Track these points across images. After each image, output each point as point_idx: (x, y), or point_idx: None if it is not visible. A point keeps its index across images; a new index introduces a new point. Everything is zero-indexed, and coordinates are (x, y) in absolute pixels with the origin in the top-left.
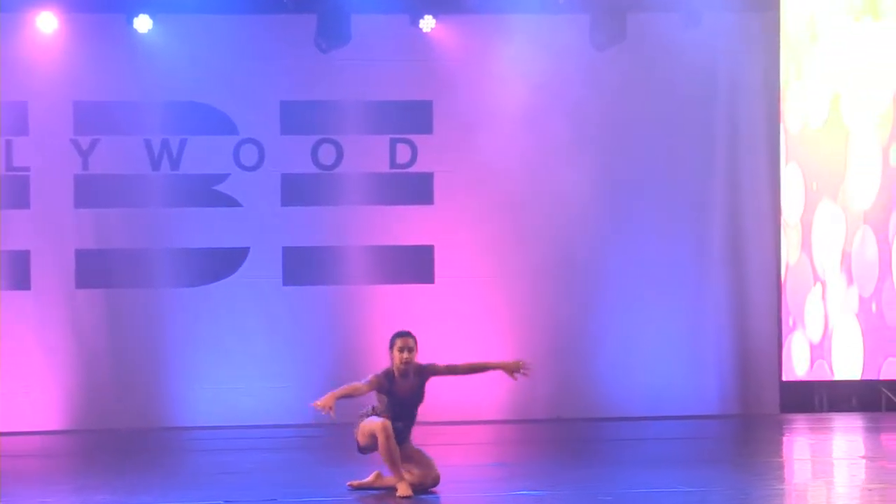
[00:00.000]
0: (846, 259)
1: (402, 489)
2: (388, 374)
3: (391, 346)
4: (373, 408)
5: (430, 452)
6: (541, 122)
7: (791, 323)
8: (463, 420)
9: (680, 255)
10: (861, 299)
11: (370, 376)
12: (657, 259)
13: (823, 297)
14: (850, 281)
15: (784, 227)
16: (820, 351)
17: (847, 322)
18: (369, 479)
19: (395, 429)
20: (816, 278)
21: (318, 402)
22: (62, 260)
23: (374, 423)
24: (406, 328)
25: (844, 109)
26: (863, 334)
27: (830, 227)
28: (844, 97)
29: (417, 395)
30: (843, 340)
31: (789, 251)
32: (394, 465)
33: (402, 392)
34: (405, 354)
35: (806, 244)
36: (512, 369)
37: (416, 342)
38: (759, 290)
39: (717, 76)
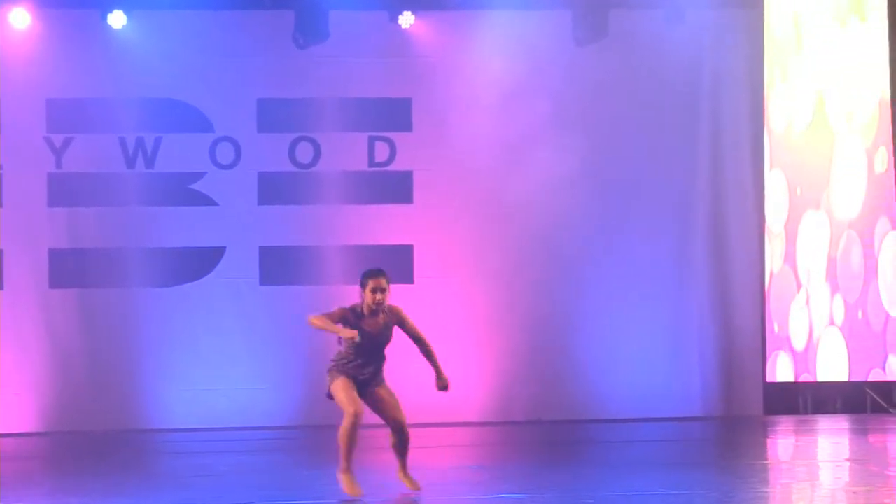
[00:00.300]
0: (831, 265)
1: (346, 485)
2: (355, 310)
3: (363, 286)
4: (338, 353)
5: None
6: (522, 119)
7: (777, 330)
8: (441, 422)
9: (663, 257)
10: (847, 306)
11: (335, 308)
12: (640, 260)
13: (808, 304)
14: (834, 288)
15: (768, 234)
16: (804, 362)
17: (831, 331)
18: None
19: (366, 374)
20: (800, 285)
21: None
22: (35, 259)
23: (348, 405)
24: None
25: (830, 112)
26: (848, 343)
27: (815, 233)
28: (829, 100)
29: (385, 334)
30: (827, 350)
31: (773, 258)
32: (344, 456)
33: (369, 327)
34: (378, 296)
35: (790, 250)
36: (440, 380)
37: (388, 282)
38: (742, 292)
39: (701, 75)
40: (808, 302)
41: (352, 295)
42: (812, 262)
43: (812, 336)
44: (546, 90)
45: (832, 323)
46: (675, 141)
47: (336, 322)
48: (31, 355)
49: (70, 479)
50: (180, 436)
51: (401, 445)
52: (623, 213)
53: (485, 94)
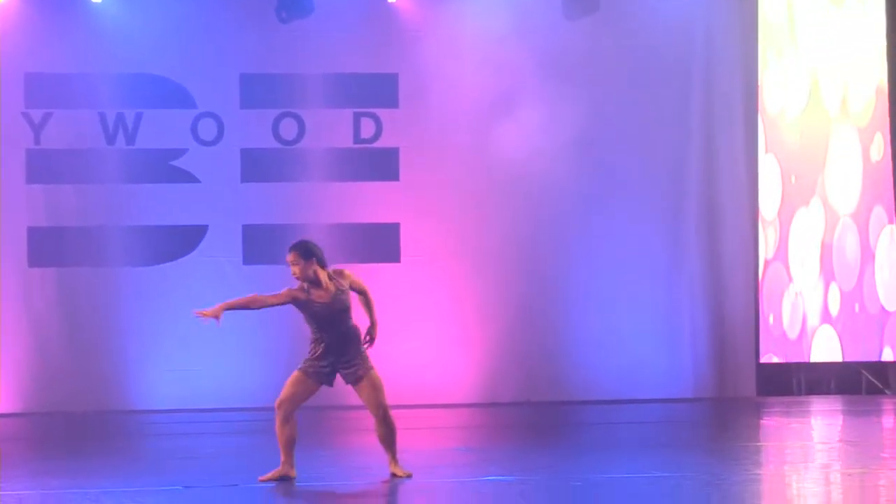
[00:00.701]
0: (826, 254)
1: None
2: (302, 287)
3: None
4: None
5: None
6: (510, 95)
7: (771, 321)
8: (428, 403)
9: (654, 238)
10: (842, 295)
11: (283, 290)
12: (630, 242)
13: (801, 294)
14: (829, 277)
15: (761, 221)
16: (798, 348)
17: (826, 322)
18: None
19: (338, 358)
20: (793, 274)
21: (205, 311)
22: (14, 238)
23: (284, 393)
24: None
25: (825, 96)
26: (842, 335)
27: (809, 220)
28: (824, 84)
29: (338, 300)
30: (822, 340)
31: (767, 246)
32: (280, 449)
33: (320, 298)
34: (293, 270)
35: (783, 238)
36: (371, 333)
37: (299, 256)
38: (735, 274)
39: (693, 54)
40: (801, 292)
41: None
42: (806, 251)
43: (806, 326)
44: (536, 66)
45: (827, 313)
46: (666, 118)
47: (285, 301)
48: (10, 335)
49: (51, 460)
50: (162, 417)
51: (387, 437)
52: (614, 194)
53: (473, 70)
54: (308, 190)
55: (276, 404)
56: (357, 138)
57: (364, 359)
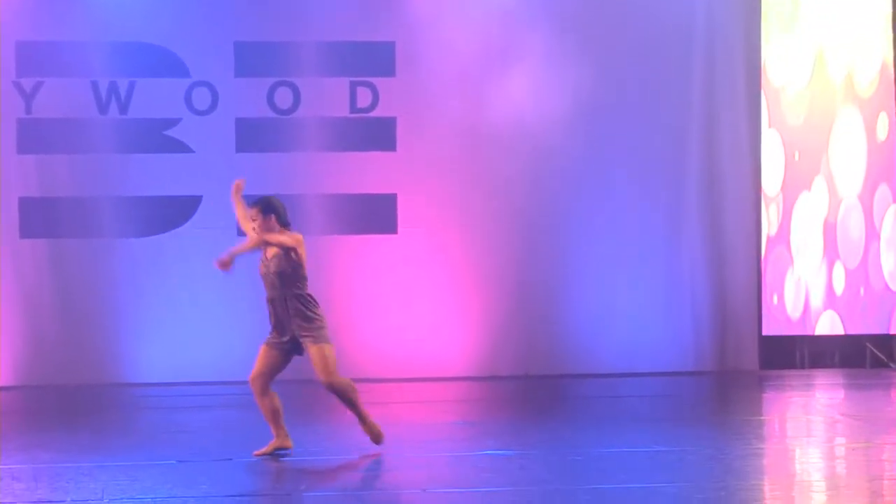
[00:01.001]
0: (829, 232)
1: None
2: (265, 240)
3: None
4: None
5: (390, 410)
6: (511, 63)
7: (776, 301)
8: (425, 377)
9: (655, 211)
10: (847, 274)
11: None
12: (631, 214)
13: (804, 273)
14: (833, 256)
15: (764, 197)
16: (801, 327)
17: (830, 296)
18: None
19: (282, 324)
20: (795, 253)
21: (220, 263)
22: (5, 208)
23: (255, 368)
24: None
25: (831, 72)
26: (846, 309)
27: (813, 199)
28: (830, 58)
29: (274, 262)
30: (826, 318)
31: (769, 222)
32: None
33: (266, 254)
34: (254, 226)
35: (787, 215)
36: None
37: (259, 211)
38: (737, 245)
39: (696, 24)
40: (804, 270)
41: (333, 245)
42: (810, 230)
43: (809, 305)
44: (536, 37)
45: (831, 292)
46: (668, 92)
47: (260, 240)
48: (1, 307)
49: (43, 434)
50: (156, 390)
51: (346, 404)
52: (614, 165)
53: (471, 39)
54: (304, 160)
55: (249, 380)
56: (353, 108)
57: (314, 330)
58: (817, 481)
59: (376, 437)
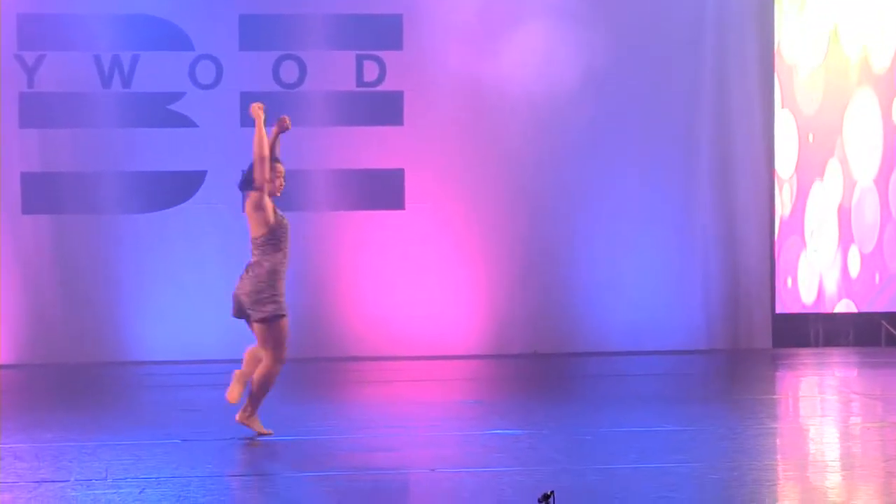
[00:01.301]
0: (844, 216)
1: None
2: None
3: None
4: None
5: (397, 389)
6: (519, 37)
7: (790, 284)
8: (433, 355)
9: (665, 185)
10: (862, 258)
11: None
12: (640, 188)
13: (818, 257)
14: (848, 240)
15: (777, 179)
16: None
17: (845, 279)
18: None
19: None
20: (809, 237)
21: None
22: (6, 183)
23: None
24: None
25: (846, 51)
26: (861, 292)
27: (827, 182)
28: (845, 37)
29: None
30: (842, 306)
31: (782, 203)
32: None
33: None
34: (280, 183)
35: (801, 197)
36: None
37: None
38: (749, 223)
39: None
40: (817, 254)
41: (339, 221)
42: (824, 214)
43: (823, 289)
44: (545, 8)
45: (846, 276)
46: (678, 65)
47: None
48: (2, 284)
49: (45, 413)
50: (160, 368)
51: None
52: (623, 141)
53: (479, 12)
54: (309, 135)
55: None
56: (360, 81)
57: (259, 304)
58: (832, 461)
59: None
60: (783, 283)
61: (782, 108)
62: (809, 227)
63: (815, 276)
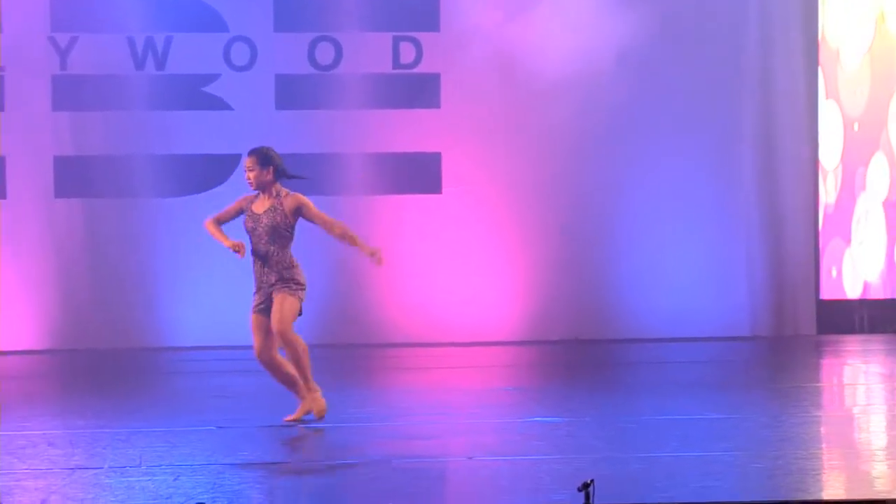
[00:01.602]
0: (890, 210)
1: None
2: (249, 197)
3: None
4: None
5: (436, 376)
6: (557, 16)
7: (834, 274)
8: (474, 341)
9: (707, 170)
10: None
11: (235, 201)
12: (682, 172)
13: (862, 249)
14: (895, 229)
15: (821, 170)
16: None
17: (890, 272)
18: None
19: (265, 278)
20: (854, 228)
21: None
22: (39, 167)
23: (254, 342)
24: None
25: (891, 44)
26: None
27: (873, 174)
28: (892, 23)
29: (269, 216)
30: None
31: (826, 193)
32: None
33: (256, 208)
34: (247, 176)
35: (848, 189)
36: (369, 253)
37: (256, 161)
38: (793, 211)
39: None
40: (862, 246)
41: (375, 205)
42: (869, 207)
43: (868, 283)
44: None
45: (891, 267)
46: (721, 51)
47: (234, 214)
48: (35, 269)
49: (77, 398)
50: (194, 354)
51: (294, 365)
52: (665, 125)
53: None
54: (345, 117)
55: (256, 357)
56: (396, 63)
57: (288, 286)
58: (878, 449)
59: (319, 412)
60: (827, 272)
61: (826, 98)
62: (855, 217)
63: (860, 267)
